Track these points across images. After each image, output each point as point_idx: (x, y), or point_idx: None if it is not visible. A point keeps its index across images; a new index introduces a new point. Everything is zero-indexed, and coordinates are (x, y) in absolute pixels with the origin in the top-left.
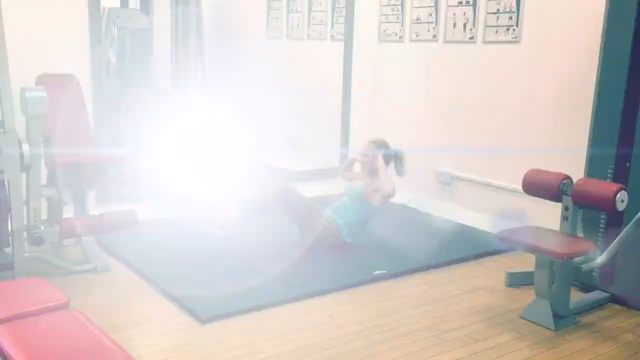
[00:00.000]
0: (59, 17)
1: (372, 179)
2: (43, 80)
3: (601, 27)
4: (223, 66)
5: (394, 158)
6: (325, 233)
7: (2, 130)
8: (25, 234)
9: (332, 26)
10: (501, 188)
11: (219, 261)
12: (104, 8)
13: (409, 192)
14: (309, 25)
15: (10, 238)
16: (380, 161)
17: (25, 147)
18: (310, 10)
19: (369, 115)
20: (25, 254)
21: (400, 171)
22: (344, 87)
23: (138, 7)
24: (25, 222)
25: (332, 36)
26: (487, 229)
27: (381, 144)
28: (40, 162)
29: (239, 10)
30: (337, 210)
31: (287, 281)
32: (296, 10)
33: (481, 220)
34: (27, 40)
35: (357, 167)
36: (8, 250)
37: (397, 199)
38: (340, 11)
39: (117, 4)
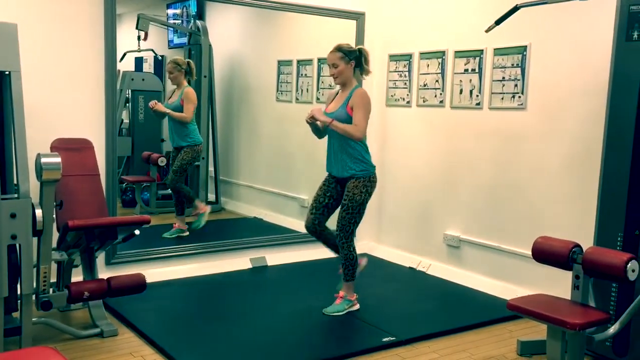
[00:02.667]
0: (75, 82)
1: (344, 91)
2: (58, 145)
3: (606, 92)
4: (233, 128)
5: (361, 57)
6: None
7: (16, 195)
8: (33, 299)
9: None
10: (511, 253)
11: (229, 325)
12: (119, 71)
13: (418, 255)
14: (318, 89)
15: (19, 302)
16: (359, 99)
17: (39, 213)
18: (319, 75)
19: (377, 177)
20: (33, 319)
21: (366, 71)
22: None
23: (152, 71)
24: (34, 286)
25: None
26: (497, 294)
27: (347, 47)
28: (52, 227)
29: (249, 74)
30: (339, 160)
31: (295, 347)
32: (306, 74)
33: (491, 285)
34: (43, 105)
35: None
36: (15, 314)
37: (405, 262)
38: None
39: (132, 68)
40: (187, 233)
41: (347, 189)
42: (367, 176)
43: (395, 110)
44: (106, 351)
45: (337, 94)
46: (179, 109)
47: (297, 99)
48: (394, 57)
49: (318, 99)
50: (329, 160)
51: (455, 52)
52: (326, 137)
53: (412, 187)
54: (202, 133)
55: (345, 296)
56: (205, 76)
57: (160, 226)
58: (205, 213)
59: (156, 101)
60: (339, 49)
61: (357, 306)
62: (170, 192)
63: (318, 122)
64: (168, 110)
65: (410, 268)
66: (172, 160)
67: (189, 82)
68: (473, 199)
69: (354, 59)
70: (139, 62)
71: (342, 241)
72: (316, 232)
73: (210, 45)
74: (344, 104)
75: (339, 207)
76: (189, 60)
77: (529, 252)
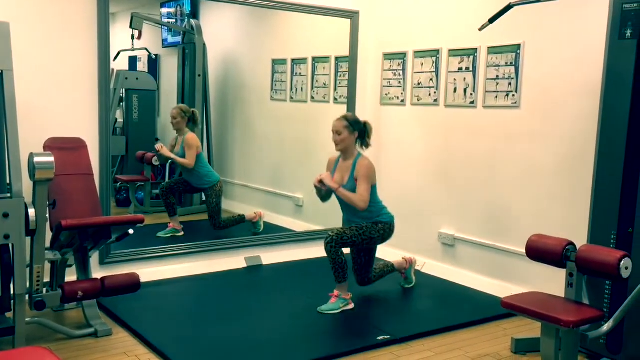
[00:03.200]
0: (69, 81)
1: (346, 159)
2: (51, 144)
3: (600, 90)
4: (227, 127)
5: (365, 131)
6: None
7: (9, 195)
8: (27, 298)
9: (335, 89)
10: (505, 251)
11: (224, 325)
12: (113, 70)
13: (412, 253)
14: (312, 88)
15: (12, 303)
16: (363, 170)
17: (32, 212)
18: (314, 74)
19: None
20: (26, 319)
21: (367, 144)
22: None
23: (146, 70)
24: (27, 286)
25: (335, 99)
26: (491, 292)
27: (353, 119)
28: (45, 227)
29: (244, 73)
30: (352, 221)
31: (290, 346)
32: (300, 73)
33: (485, 283)
34: (36, 104)
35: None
36: (9, 314)
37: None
38: (343, 75)
39: (126, 67)
40: (182, 233)
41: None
42: (388, 223)
43: (389, 109)
44: (100, 351)
45: (337, 160)
46: (184, 156)
47: (291, 98)
48: (388, 56)
49: (312, 97)
50: (344, 214)
51: (450, 50)
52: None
53: (406, 186)
54: (197, 132)
55: (340, 295)
56: (199, 75)
57: (155, 225)
58: (261, 217)
59: (162, 145)
60: (345, 118)
61: (352, 305)
62: (160, 194)
63: (324, 187)
64: (172, 155)
65: None
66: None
67: (192, 129)
68: (467, 197)
69: (357, 131)
70: (133, 61)
71: (331, 245)
72: (373, 282)
73: (204, 44)
74: (351, 177)
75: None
76: (194, 110)
77: (523, 250)
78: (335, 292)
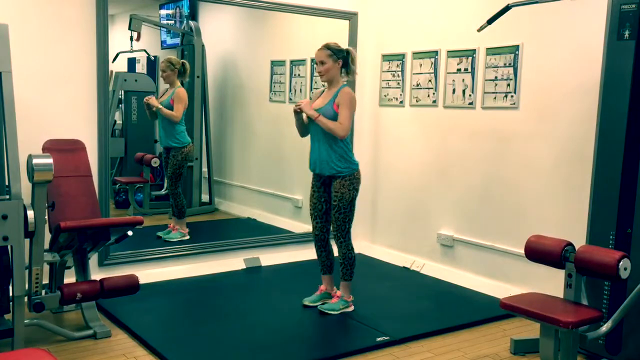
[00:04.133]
0: (67, 83)
1: (331, 91)
2: (49, 146)
3: (598, 91)
4: (226, 128)
5: (348, 58)
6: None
7: (7, 197)
8: (25, 300)
9: None
10: (504, 252)
11: (223, 326)
12: (112, 71)
13: (411, 254)
14: (311, 90)
15: (11, 304)
16: (345, 96)
17: (30, 214)
18: (312, 75)
19: (371, 178)
20: (25, 321)
21: (352, 72)
22: None
23: (145, 72)
24: (26, 288)
25: None
26: (490, 293)
27: (335, 46)
28: (44, 228)
29: (242, 75)
30: (322, 158)
31: (288, 347)
32: (299, 74)
33: (484, 284)
34: (35, 105)
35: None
36: (8, 316)
37: (399, 262)
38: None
39: (125, 69)
40: (188, 237)
41: (334, 189)
42: (352, 173)
43: (388, 110)
44: (99, 353)
45: (322, 92)
46: (169, 108)
47: (290, 99)
48: (387, 57)
49: (311, 99)
50: (313, 158)
51: (448, 51)
52: (309, 136)
53: (405, 187)
54: (195, 134)
55: (342, 296)
56: (198, 76)
57: (154, 227)
58: (184, 235)
59: (152, 96)
60: (327, 47)
61: (352, 308)
62: (165, 193)
63: (304, 115)
64: (159, 105)
65: (404, 268)
66: (164, 162)
67: (182, 83)
68: (466, 198)
69: (341, 58)
70: (131, 63)
71: (339, 240)
72: (324, 239)
73: (203, 46)
74: (330, 101)
75: (332, 209)
76: (183, 61)
77: (522, 251)
78: (338, 292)
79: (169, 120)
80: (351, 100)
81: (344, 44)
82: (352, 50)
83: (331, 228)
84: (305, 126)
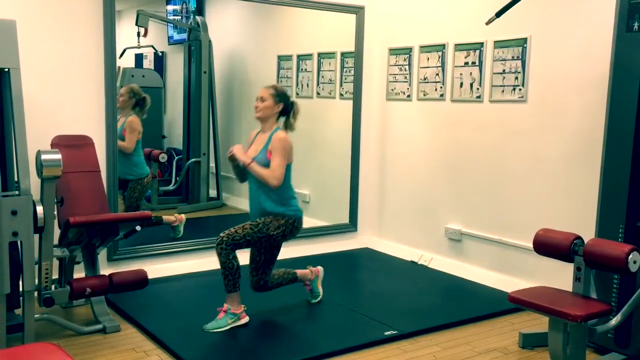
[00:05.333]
0: (75, 78)
1: (264, 131)
2: (58, 141)
3: (607, 84)
4: (233, 123)
5: (290, 109)
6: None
7: (17, 192)
8: (35, 295)
9: (341, 85)
10: (512, 245)
11: None
12: (119, 67)
13: (419, 249)
14: (318, 84)
15: (21, 299)
16: (278, 143)
17: (40, 209)
18: (319, 70)
19: (378, 172)
20: (35, 315)
21: (290, 125)
22: (352, 144)
23: (152, 68)
24: (36, 283)
25: (341, 95)
26: (498, 287)
27: (282, 91)
28: (54, 224)
29: (249, 70)
30: (258, 206)
31: (296, 341)
32: (306, 69)
33: (493, 278)
34: (43, 101)
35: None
36: (18, 311)
37: (406, 256)
38: (349, 70)
39: (132, 64)
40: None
41: (263, 220)
42: (293, 218)
43: (395, 104)
44: (108, 347)
45: (256, 135)
46: (121, 138)
47: (297, 94)
48: (394, 51)
49: (318, 93)
50: (251, 205)
51: (456, 45)
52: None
53: (413, 181)
54: (202, 129)
55: (229, 309)
56: (205, 72)
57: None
58: (182, 222)
59: None
60: (274, 87)
61: (246, 319)
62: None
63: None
64: None
65: (412, 262)
66: (122, 195)
67: (137, 114)
68: (474, 192)
69: (282, 103)
70: (139, 58)
71: (221, 246)
72: (268, 288)
73: (210, 41)
74: (264, 149)
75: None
76: (146, 96)
77: (531, 245)
78: (224, 306)
79: (123, 152)
80: (284, 147)
81: (351, 38)
82: (297, 105)
83: (225, 234)
84: (242, 171)
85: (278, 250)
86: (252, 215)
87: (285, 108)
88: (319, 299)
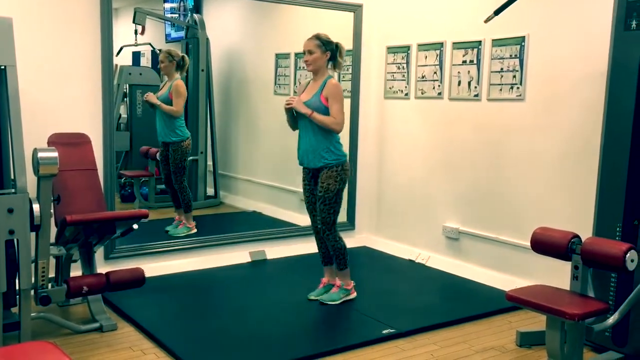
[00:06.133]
0: (72, 76)
1: (316, 80)
2: (55, 139)
3: (605, 83)
4: (231, 121)
5: (337, 51)
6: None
7: (13, 190)
8: (32, 294)
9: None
10: (510, 244)
11: (228, 319)
12: (117, 65)
13: (417, 247)
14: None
15: (17, 298)
16: (334, 89)
17: (36, 207)
18: None
19: (376, 171)
20: (32, 314)
21: (339, 65)
22: (350, 142)
23: (149, 65)
24: (32, 282)
25: None
26: (496, 286)
27: (325, 38)
28: (50, 222)
29: (247, 68)
30: (312, 150)
31: (294, 340)
32: (303, 67)
33: (490, 276)
34: (40, 99)
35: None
36: (14, 310)
37: (404, 254)
38: (347, 68)
39: (130, 62)
40: (195, 230)
41: (320, 180)
42: (339, 164)
43: (393, 102)
44: (105, 345)
45: (307, 84)
46: (168, 101)
47: (295, 92)
48: (391, 49)
49: (295, 92)
50: (301, 151)
51: (453, 43)
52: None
53: (410, 179)
54: (200, 127)
55: (342, 285)
56: (202, 70)
57: (159, 221)
58: (191, 229)
59: (151, 93)
60: (317, 37)
61: (354, 294)
62: (166, 189)
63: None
64: (158, 102)
65: (410, 260)
66: (161, 156)
67: (184, 78)
68: (472, 190)
69: (329, 50)
70: (136, 56)
71: (326, 233)
72: (322, 233)
73: (207, 39)
74: (317, 93)
75: (317, 201)
76: (183, 54)
77: (528, 243)
78: (338, 282)
79: (169, 115)
80: (340, 93)
81: (349, 37)
82: (342, 45)
83: (319, 222)
84: (295, 120)
85: (341, 199)
86: (303, 161)
87: (332, 53)
88: (319, 298)
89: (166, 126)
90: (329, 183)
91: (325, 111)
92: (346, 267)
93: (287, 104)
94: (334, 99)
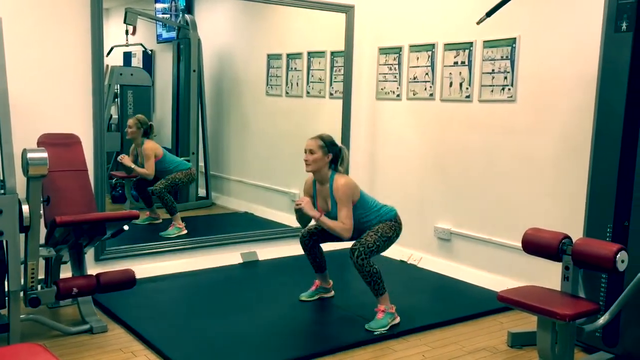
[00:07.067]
0: (62, 76)
1: (322, 183)
2: (45, 140)
3: (595, 84)
4: (223, 122)
5: (340, 156)
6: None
7: (2, 191)
8: (21, 295)
9: (331, 84)
10: (501, 245)
11: (220, 320)
12: (107, 66)
13: (408, 248)
14: (307, 83)
15: (6, 299)
16: (340, 193)
17: (25, 208)
18: (309, 69)
19: (367, 172)
20: (21, 316)
21: (339, 171)
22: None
23: (141, 66)
24: (21, 283)
25: (331, 94)
26: (487, 286)
27: (329, 140)
28: (40, 223)
29: (239, 68)
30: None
31: (285, 341)
32: (295, 68)
33: (482, 277)
34: (29, 99)
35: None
36: (3, 311)
37: (396, 255)
38: (339, 69)
39: (121, 63)
40: (186, 231)
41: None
42: (391, 219)
43: (385, 103)
44: (96, 347)
45: (314, 183)
46: (140, 165)
47: (287, 93)
48: (383, 50)
49: (308, 92)
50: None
51: (445, 44)
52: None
53: (402, 181)
54: (191, 128)
55: (387, 309)
56: (194, 70)
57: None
58: (181, 230)
59: (124, 155)
60: (321, 137)
61: (398, 319)
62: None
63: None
64: (133, 165)
65: (401, 261)
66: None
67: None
68: (464, 191)
69: (332, 153)
70: (127, 56)
71: (361, 257)
72: (309, 243)
73: (199, 40)
74: (333, 201)
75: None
76: (151, 123)
77: (519, 244)
78: (382, 307)
79: (159, 171)
80: (347, 193)
81: (341, 38)
82: (345, 151)
83: (359, 245)
84: (306, 219)
85: (389, 245)
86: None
87: (334, 156)
88: (311, 298)
89: (163, 176)
90: (385, 230)
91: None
92: (385, 291)
93: (297, 205)
94: (341, 202)
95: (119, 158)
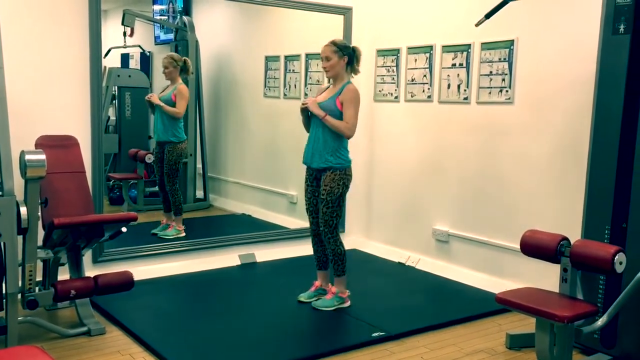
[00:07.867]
0: (60, 78)
1: (335, 87)
2: (42, 142)
3: (593, 86)
4: (220, 124)
5: (354, 55)
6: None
7: (0, 193)
8: (19, 297)
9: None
10: (499, 247)
11: (218, 322)
12: (105, 67)
13: (406, 250)
14: (305, 85)
15: (4, 302)
16: (351, 94)
17: (23, 210)
18: (307, 71)
19: (365, 173)
20: (19, 318)
21: (355, 70)
22: None
23: (139, 68)
24: (19, 285)
25: None
26: (485, 288)
27: (341, 43)
28: (38, 225)
29: (237, 70)
30: (318, 151)
31: (284, 343)
32: (293, 70)
33: (480, 279)
34: (27, 101)
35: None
36: (1, 314)
37: (394, 257)
38: None
39: (119, 64)
40: (184, 234)
41: (323, 182)
42: (343, 169)
43: (383, 105)
44: (93, 350)
45: (326, 88)
46: (170, 103)
47: (284, 94)
48: (381, 52)
49: (306, 94)
50: (308, 151)
51: (443, 46)
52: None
53: (400, 182)
54: (189, 130)
55: (337, 292)
56: (192, 72)
57: (148, 224)
58: (180, 232)
59: (154, 93)
60: (333, 42)
61: (348, 303)
62: (159, 191)
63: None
64: (161, 103)
65: (399, 263)
66: (156, 157)
67: (184, 80)
68: (462, 193)
69: (346, 55)
70: (125, 58)
71: (327, 236)
72: (320, 235)
73: (197, 41)
74: (333, 97)
75: (320, 203)
76: (185, 58)
77: (518, 246)
78: (333, 289)
79: (170, 116)
80: (356, 98)
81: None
82: (358, 49)
83: (321, 224)
84: (309, 122)
85: (343, 203)
86: (307, 159)
87: (349, 57)
88: (310, 301)
89: (166, 127)
90: (332, 186)
91: (340, 115)
92: (344, 274)
93: (303, 104)
94: (349, 103)
95: (147, 97)
